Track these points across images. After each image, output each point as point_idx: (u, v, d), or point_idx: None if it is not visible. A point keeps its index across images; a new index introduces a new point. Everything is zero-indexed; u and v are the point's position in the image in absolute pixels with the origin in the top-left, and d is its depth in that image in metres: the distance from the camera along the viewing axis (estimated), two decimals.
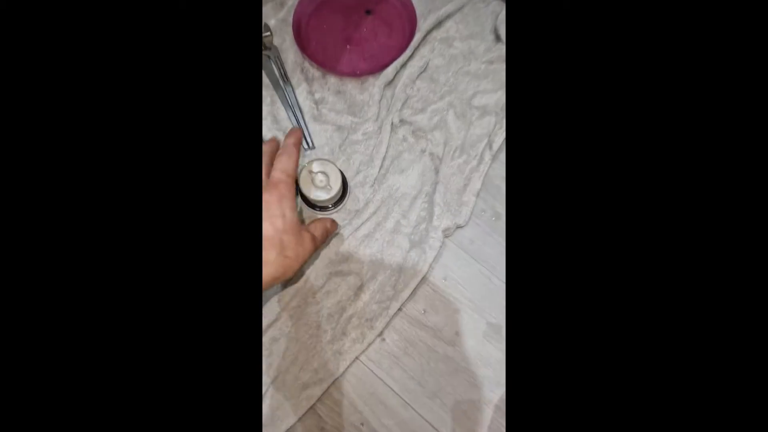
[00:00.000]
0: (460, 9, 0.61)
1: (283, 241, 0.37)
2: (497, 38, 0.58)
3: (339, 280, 0.48)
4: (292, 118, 0.55)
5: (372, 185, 0.52)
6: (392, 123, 0.54)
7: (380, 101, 0.55)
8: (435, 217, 0.49)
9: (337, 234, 0.49)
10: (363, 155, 0.53)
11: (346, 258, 0.49)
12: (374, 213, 0.51)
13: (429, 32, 0.59)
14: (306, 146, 0.54)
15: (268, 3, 0.61)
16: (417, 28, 0.59)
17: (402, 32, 0.60)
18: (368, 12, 0.61)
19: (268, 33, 0.59)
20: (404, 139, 0.54)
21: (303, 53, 0.58)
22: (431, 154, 0.53)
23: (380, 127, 0.54)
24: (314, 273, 0.48)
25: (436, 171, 0.52)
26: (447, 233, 0.49)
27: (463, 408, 0.44)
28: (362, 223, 0.50)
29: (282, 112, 0.56)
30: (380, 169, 0.52)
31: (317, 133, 0.55)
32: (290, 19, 0.59)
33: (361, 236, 0.50)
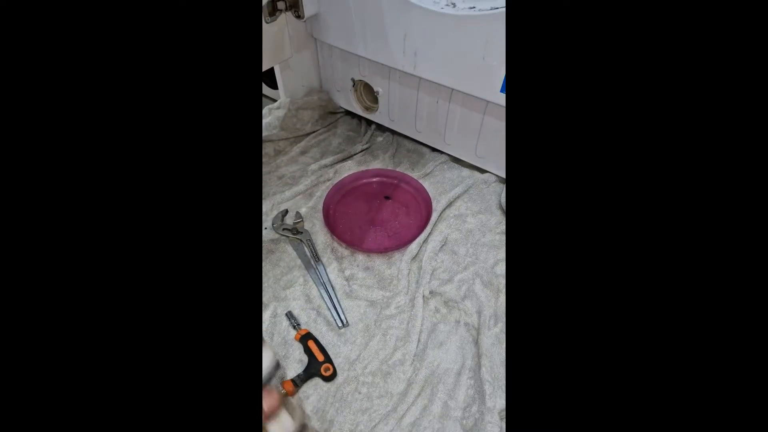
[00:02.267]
0: (466, 191, 0.70)
1: None
2: (503, 212, 0.66)
3: None
4: (325, 296, 0.56)
5: (412, 362, 0.49)
6: (423, 295, 0.55)
7: (408, 274, 0.58)
8: (487, 397, 0.45)
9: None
10: (398, 329, 0.52)
11: None
12: (418, 395, 0.47)
13: (443, 211, 0.67)
14: (339, 324, 0.53)
15: (298, 195, 0.70)
16: (432, 208, 0.66)
17: (419, 212, 0.67)
18: (387, 197, 0.70)
19: (300, 219, 0.66)
20: (437, 310, 0.55)
21: (332, 235, 0.63)
22: (466, 324, 0.53)
23: (412, 300, 0.55)
24: None
25: (475, 342, 0.51)
26: (504, 415, 0.45)
27: None
28: (408, 409, 0.46)
29: (314, 290, 0.57)
30: (418, 344, 0.51)
31: (351, 309, 0.55)
32: (319, 206, 0.67)
33: (407, 425, 0.45)
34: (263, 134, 0.78)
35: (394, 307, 0.55)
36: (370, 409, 0.46)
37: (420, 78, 0.67)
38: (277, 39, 0.71)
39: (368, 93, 0.81)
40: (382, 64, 0.69)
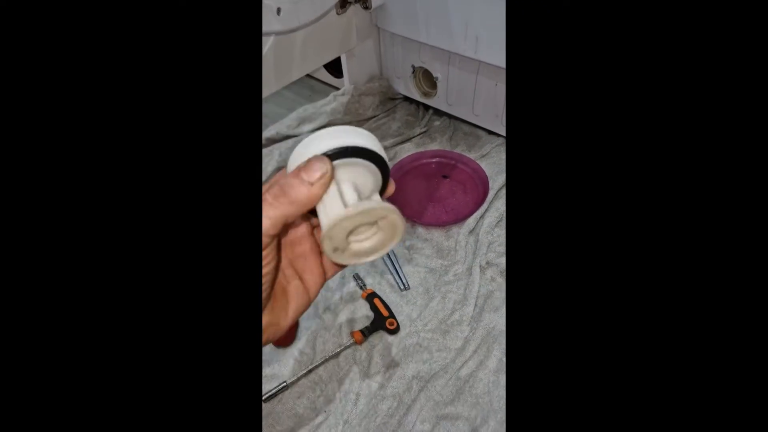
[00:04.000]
0: None
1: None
2: None
3: (448, 425, 0.46)
4: (387, 262, 0.62)
5: (469, 323, 0.54)
6: (480, 265, 0.59)
7: (465, 246, 0.62)
8: None
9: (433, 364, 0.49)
10: (456, 294, 0.57)
11: (452, 400, 0.47)
12: (475, 351, 0.51)
13: (500, 189, 0.70)
14: (401, 287, 0.59)
15: None
16: (489, 186, 0.70)
17: (476, 191, 0.71)
18: (445, 176, 0.74)
19: None
20: (493, 279, 0.58)
21: None
22: None
23: (469, 269, 0.59)
24: (419, 417, 0.46)
25: None
26: None
27: None
28: (464, 363, 0.50)
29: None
30: (474, 307, 0.55)
31: (411, 274, 0.60)
32: None
33: (464, 376, 0.49)
34: (328, 119, 0.85)
35: (452, 274, 0.59)
36: (430, 360, 0.51)
37: (480, 62, 0.70)
38: (346, 30, 0.77)
39: (427, 79, 0.85)
40: (443, 50, 0.73)
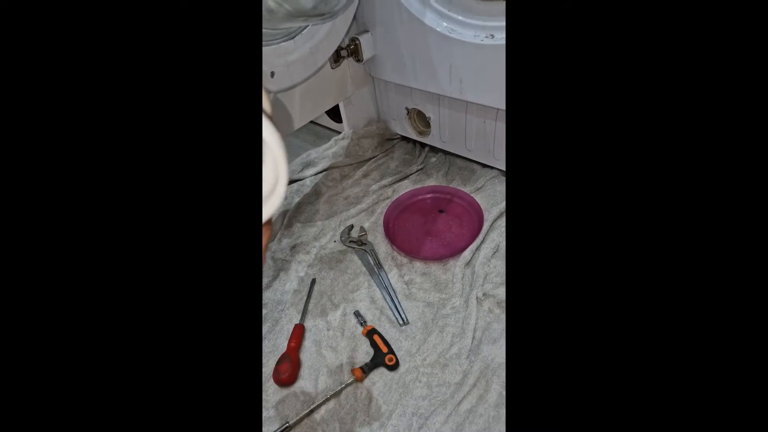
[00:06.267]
0: None
1: None
2: None
3: None
4: (387, 298, 0.63)
5: (467, 356, 0.54)
6: (477, 297, 0.60)
7: (462, 278, 0.63)
8: None
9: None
10: (454, 327, 0.57)
11: None
12: (474, 385, 0.51)
13: (495, 221, 0.71)
14: (400, 322, 0.60)
15: (362, 212, 0.79)
16: (484, 218, 0.71)
17: (471, 223, 0.73)
18: (441, 211, 0.77)
19: (364, 233, 0.74)
20: (490, 310, 0.59)
21: (392, 245, 0.71)
22: None
23: (466, 301, 0.60)
24: None
25: None
26: None
27: None
28: (464, 397, 0.50)
29: (377, 293, 0.64)
30: (473, 340, 0.55)
31: (410, 309, 0.61)
32: (380, 221, 0.75)
33: (464, 411, 0.49)
34: (330, 162, 0.90)
35: (450, 307, 0.60)
36: (429, 395, 0.51)
37: (467, 102, 0.74)
38: (341, 81, 0.83)
39: (421, 119, 0.89)
40: (432, 93, 0.77)
